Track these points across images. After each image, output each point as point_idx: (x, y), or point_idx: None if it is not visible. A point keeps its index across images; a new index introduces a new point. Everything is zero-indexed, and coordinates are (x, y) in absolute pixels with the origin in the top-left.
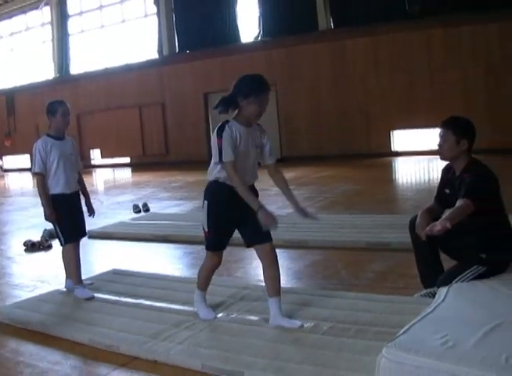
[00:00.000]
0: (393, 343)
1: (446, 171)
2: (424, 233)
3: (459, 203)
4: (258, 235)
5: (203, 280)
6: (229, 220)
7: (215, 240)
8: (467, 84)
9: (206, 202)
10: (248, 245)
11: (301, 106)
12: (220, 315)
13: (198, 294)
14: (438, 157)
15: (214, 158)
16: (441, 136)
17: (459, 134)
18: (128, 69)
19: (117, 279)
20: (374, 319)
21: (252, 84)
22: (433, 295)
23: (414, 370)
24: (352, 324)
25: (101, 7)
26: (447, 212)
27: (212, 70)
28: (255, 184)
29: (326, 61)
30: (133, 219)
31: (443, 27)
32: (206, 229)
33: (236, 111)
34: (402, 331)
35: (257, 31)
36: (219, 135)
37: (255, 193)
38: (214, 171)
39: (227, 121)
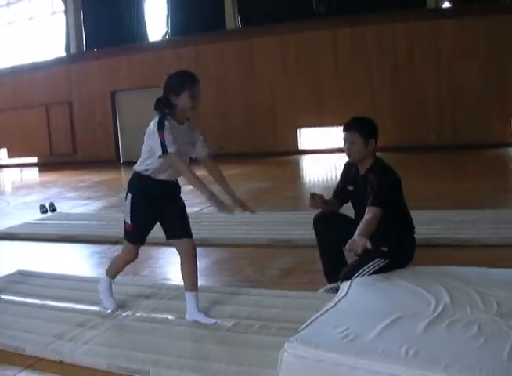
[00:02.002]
0: (294, 338)
1: (348, 168)
2: (348, 249)
3: (369, 213)
4: (179, 230)
5: (114, 270)
6: (152, 214)
7: (136, 234)
8: (373, 83)
9: (129, 195)
10: (168, 238)
11: (209, 105)
12: (125, 314)
13: (105, 280)
14: (343, 154)
15: (151, 150)
16: (348, 139)
17: (366, 135)
18: (35, 67)
19: (22, 280)
20: (278, 315)
21: (181, 79)
22: (337, 290)
23: (315, 364)
24: (256, 320)
25: (8, 4)
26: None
27: (120, 68)
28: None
29: (234, 60)
30: (39, 220)
31: (350, 26)
32: (128, 222)
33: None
34: (303, 326)
35: (166, 30)
36: (160, 128)
37: (178, 188)
38: (143, 164)
39: (165, 116)
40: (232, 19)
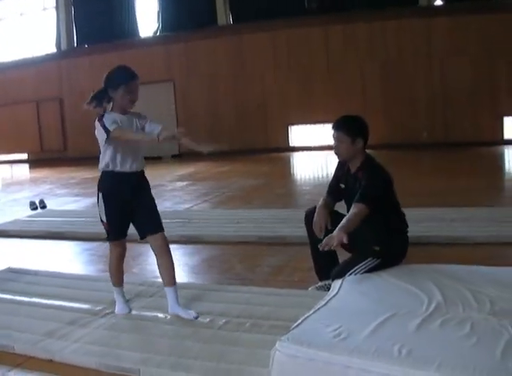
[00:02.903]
0: (286, 336)
1: (340, 165)
2: (321, 248)
3: (353, 209)
4: (150, 226)
5: (116, 274)
6: (124, 209)
7: (114, 230)
8: (365, 80)
9: (100, 194)
10: (142, 237)
11: (200, 102)
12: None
13: (115, 290)
14: (333, 151)
15: (102, 142)
16: (336, 138)
17: (353, 133)
18: (26, 63)
19: (12, 277)
20: (269, 313)
21: (119, 74)
22: (328, 288)
23: (307, 363)
24: (247, 318)
25: None
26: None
27: (111, 64)
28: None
29: (225, 56)
30: (29, 216)
31: (341, 23)
32: (104, 221)
33: (111, 104)
34: (295, 324)
35: (157, 26)
36: (99, 119)
37: (145, 180)
38: (103, 161)
39: (104, 113)
40: (224, 16)
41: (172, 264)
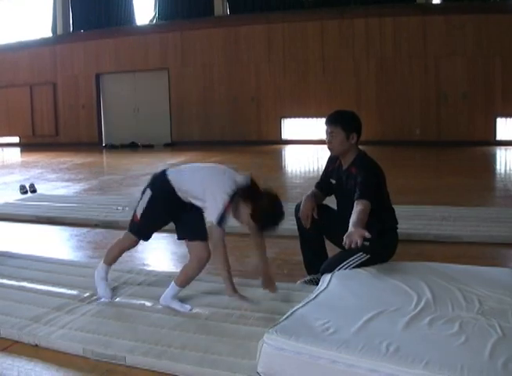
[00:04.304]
0: (274, 329)
1: (332, 161)
2: (347, 246)
3: (359, 205)
4: (192, 232)
5: (112, 257)
6: (166, 217)
7: (143, 229)
8: (359, 76)
9: (149, 192)
10: (179, 238)
11: (194, 91)
12: (102, 299)
13: (102, 267)
14: (326, 146)
15: (204, 201)
16: (330, 133)
17: (348, 128)
18: (21, 47)
19: (0, 261)
20: (257, 305)
21: (270, 219)
22: (316, 282)
23: (294, 356)
24: (235, 310)
25: None
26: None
27: (105, 51)
28: None
29: (221, 47)
30: (19, 200)
31: (338, 18)
32: (137, 215)
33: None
34: (283, 317)
35: (153, 14)
36: (230, 200)
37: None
38: (186, 192)
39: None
40: (221, 6)
41: (195, 274)
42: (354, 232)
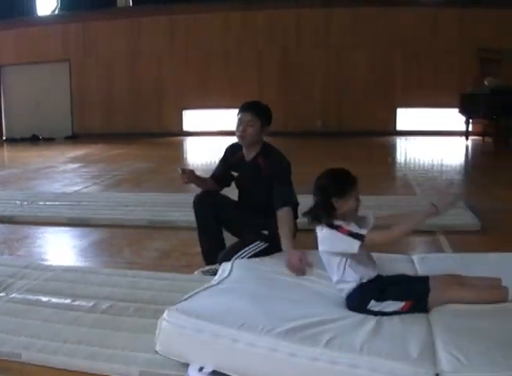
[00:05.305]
0: (175, 307)
1: (231, 152)
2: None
3: (283, 216)
4: None
5: None
6: None
7: None
8: (262, 67)
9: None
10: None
11: (95, 83)
12: None
13: None
14: (228, 137)
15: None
16: (246, 121)
17: (264, 119)
18: None
19: None
20: (154, 297)
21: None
22: (214, 273)
23: (195, 334)
24: (132, 302)
25: None
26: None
27: (6, 42)
28: None
29: (123, 39)
30: None
31: (241, 10)
32: None
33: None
34: (185, 297)
35: (55, 5)
36: (335, 228)
37: None
38: (347, 279)
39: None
40: None
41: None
42: (291, 259)
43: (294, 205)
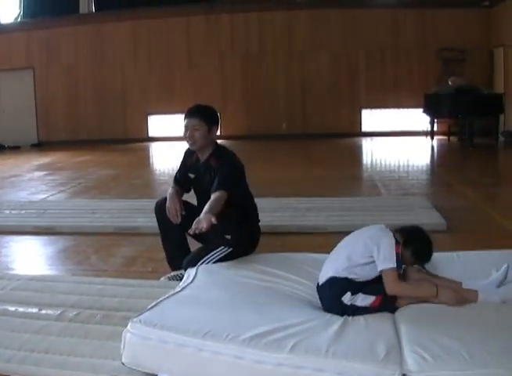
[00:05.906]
0: (138, 318)
1: (189, 155)
2: (192, 232)
3: (213, 195)
4: None
5: None
6: None
7: None
8: (225, 71)
9: None
10: None
11: (59, 90)
12: None
13: None
14: (186, 140)
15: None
16: (192, 126)
17: (210, 122)
18: None
19: None
20: (121, 304)
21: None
22: (180, 278)
23: (160, 345)
24: (99, 310)
25: None
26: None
27: None
28: None
29: (86, 45)
30: None
31: (203, 14)
32: None
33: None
34: (148, 307)
35: (18, 12)
36: (396, 243)
37: None
38: (352, 271)
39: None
40: (86, 4)
41: None
42: (202, 218)
43: (241, 199)
